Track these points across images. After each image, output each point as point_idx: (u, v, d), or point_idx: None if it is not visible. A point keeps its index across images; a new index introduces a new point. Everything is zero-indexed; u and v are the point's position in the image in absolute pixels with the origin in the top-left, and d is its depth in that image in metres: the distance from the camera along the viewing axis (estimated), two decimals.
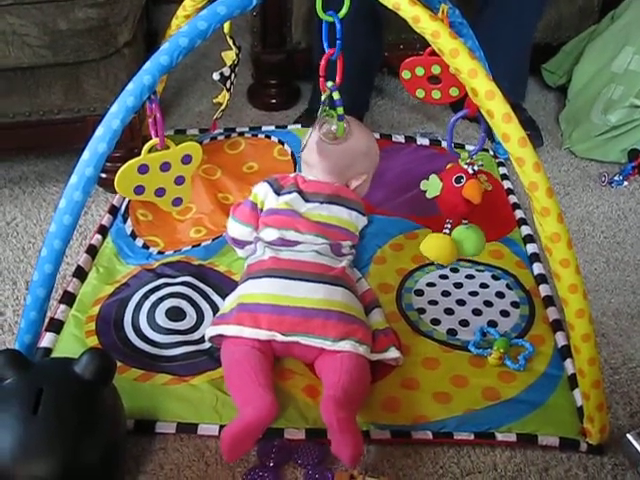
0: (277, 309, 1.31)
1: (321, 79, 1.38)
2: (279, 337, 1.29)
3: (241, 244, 1.55)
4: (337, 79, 1.38)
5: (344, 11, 1.27)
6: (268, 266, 1.39)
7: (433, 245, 1.36)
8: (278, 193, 1.50)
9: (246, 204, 1.54)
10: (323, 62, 1.36)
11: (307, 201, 1.49)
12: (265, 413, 1.17)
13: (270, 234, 1.45)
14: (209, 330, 1.36)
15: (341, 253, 1.47)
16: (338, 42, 1.33)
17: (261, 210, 1.51)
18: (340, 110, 1.43)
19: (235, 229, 1.54)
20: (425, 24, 1.09)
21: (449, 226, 1.37)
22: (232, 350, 1.31)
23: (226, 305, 1.38)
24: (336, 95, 1.40)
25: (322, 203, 1.49)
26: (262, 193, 1.52)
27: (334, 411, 1.16)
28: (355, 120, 1.59)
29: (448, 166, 1.36)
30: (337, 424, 1.15)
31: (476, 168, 1.30)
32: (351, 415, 1.19)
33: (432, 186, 1.35)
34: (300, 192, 1.49)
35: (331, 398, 1.19)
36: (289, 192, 1.49)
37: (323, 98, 1.41)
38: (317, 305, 1.32)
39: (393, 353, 1.35)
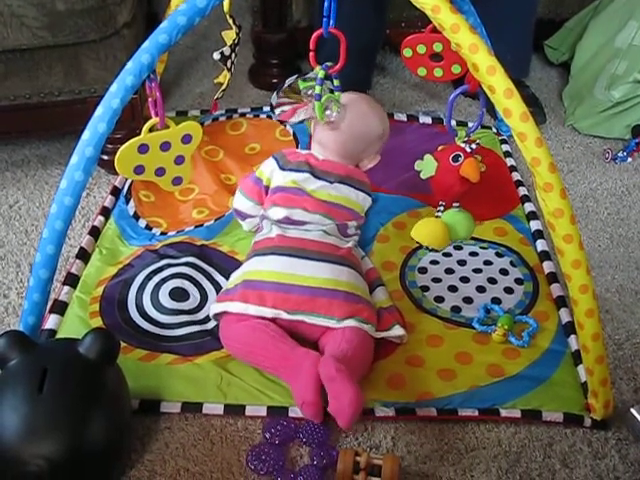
0: (283, 287, 1.31)
1: (311, 53, 1.39)
2: (284, 315, 1.29)
3: (242, 216, 1.56)
4: (340, 64, 1.40)
5: None
6: (275, 244, 1.39)
7: (425, 230, 1.35)
8: (283, 168, 1.50)
9: (251, 178, 1.54)
10: (313, 36, 1.37)
11: (318, 178, 1.49)
12: (315, 368, 1.17)
13: (278, 212, 1.46)
14: (213, 307, 1.36)
15: (347, 234, 1.47)
16: (324, 19, 1.34)
17: (267, 187, 1.52)
18: (337, 95, 1.45)
19: (239, 201, 1.56)
20: None
21: (442, 209, 1.36)
22: (247, 325, 1.29)
23: (231, 281, 1.38)
24: (336, 82, 1.42)
25: (332, 182, 1.49)
26: (268, 170, 1.52)
27: (333, 363, 1.16)
28: (371, 100, 1.61)
29: (440, 147, 1.36)
30: (337, 373, 1.14)
31: (474, 146, 1.30)
32: (351, 373, 1.17)
33: (427, 166, 1.34)
34: (312, 171, 1.49)
35: (330, 357, 1.19)
36: (299, 170, 1.49)
37: (310, 74, 1.44)
38: (323, 284, 1.32)
39: (397, 331, 1.35)
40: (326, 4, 1.31)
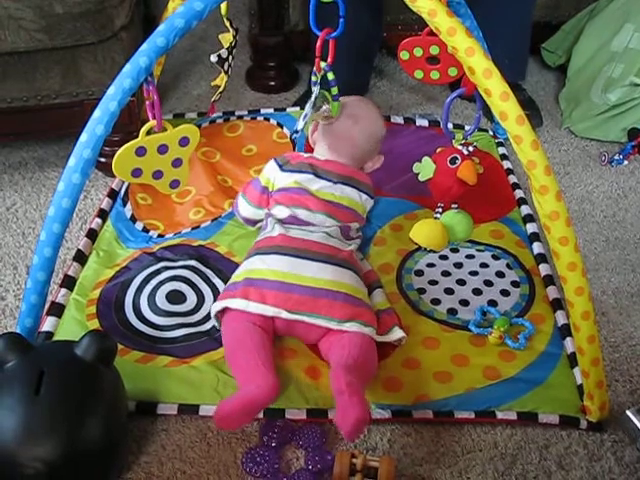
0: (284, 286, 1.31)
1: (316, 59, 1.38)
2: (285, 314, 1.29)
3: (252, 222, 1.57)
4: (329, 59, 1.39)
5: None
6: (277, 243, 1.39)
7: (424, 231, 1.35)
8: (284, 169, 1.50)
9: (256, 186, 1.54)
10: (319, 43, 1.36)
11: (320, 178, 1.49)
12: (266, 393, 1.17)
13: (281, 211, 1.46)
14: (215, 305, 1.35)
15: (349, 236, 1.48)
16: (341, 20, 1.33)
17: (271, 191, 1.52)
18: (334, 90, 1.44)
19: (244, 209, 1.56)
20: (422, 3, 1.09)
21: (440, 210, 1.37)
22: (234, 327, 1.30)
23: (232, 279, 1.38)
24: (330, 76, 1.41)
25: (335, 183, 1.49)
26: (270, 174, 1.52)
27: (344, 376, 1.16)
28: (369, 102, 1.61)
29: (438, 150, 1.36)
30: (346, 387, 1.14)
31: (471, 149, 1.30)
32: (360, 384, 1.18)
33: (425, 168, 1.35)
34: (314, 171, 1.49)
35: (341, 366, 1.20)
36: (301, 171, 1.49)
37: (314, 79, 1.42)
38: (325, 285, 1.32)
39: (397, 333, 1.35)
40: (341, 5, 1.31)
